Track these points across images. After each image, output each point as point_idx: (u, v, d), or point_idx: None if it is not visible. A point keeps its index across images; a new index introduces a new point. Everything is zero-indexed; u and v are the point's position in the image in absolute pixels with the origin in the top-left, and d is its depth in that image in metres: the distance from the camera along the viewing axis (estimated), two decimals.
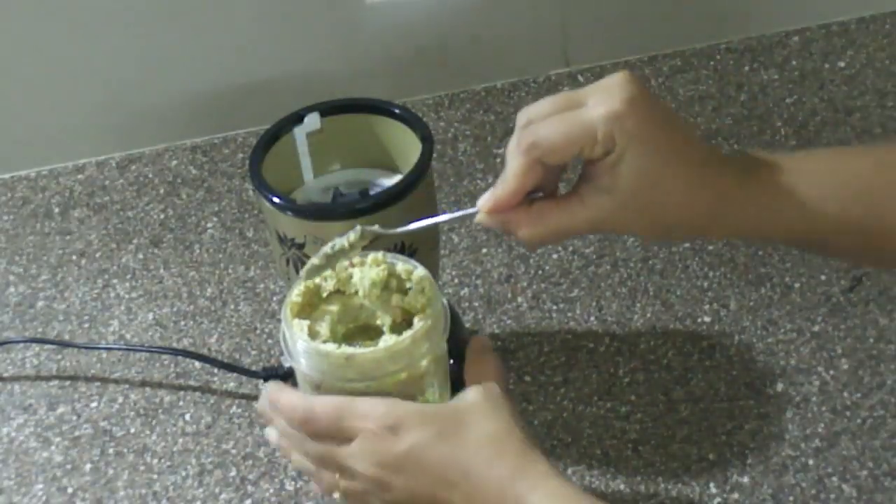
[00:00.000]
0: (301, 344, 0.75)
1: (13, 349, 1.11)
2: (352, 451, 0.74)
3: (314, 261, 0.78)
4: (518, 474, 0.71)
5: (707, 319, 1.07)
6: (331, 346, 0.75)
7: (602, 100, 0.72)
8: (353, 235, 0.78)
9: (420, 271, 0.78)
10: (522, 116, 0.74)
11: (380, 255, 0.79)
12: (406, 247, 0.89)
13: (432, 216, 0.81)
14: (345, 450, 0.74)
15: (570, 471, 0.96)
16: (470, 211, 0.76)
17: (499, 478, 0.71)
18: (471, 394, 0.75)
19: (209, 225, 1.21)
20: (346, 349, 0.75)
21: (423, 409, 0.74)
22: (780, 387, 1.01)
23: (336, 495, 0.77)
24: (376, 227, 0.78)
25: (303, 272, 0.78)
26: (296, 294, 0.78)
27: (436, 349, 0.76)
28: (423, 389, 0.76)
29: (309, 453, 0.77)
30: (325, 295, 0.79)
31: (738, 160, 0.76)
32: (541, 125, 0.73)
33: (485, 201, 0.75)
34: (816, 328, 1.05)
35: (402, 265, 0.79)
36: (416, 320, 0.76)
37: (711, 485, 0.95)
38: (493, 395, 0.75)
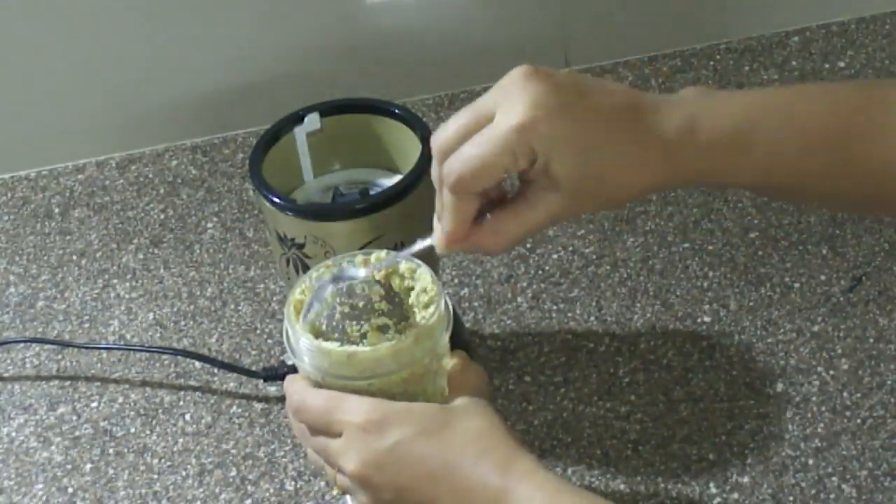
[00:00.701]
0: (303, 342, 0.75)
1: (13, 349, 1.11)
2: (339, 446, 0.74)
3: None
4: (504, 469, 0.71)
5: (707, 319, 1.07)
6: (333, 345, 0.75)
7: (507, 108, 0.70)
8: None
9: (423, 270, 0.78)
10: (435, 146, 0.73)
11: (383, 253, 0.79)
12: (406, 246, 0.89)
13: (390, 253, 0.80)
14: (335, 445, 0.74)
15: (569, 471, 0.96)
16: (427, 244, 0.77)
17: (485, 473, 0.71)
18: (457, 399, 0.76)
19: (209, 225, 1.21)
20: (348, 347, 0.75)
21: (409, 406, 0.74)
22: (779, 387, 1.01)
23: (335, 491, 0.77)
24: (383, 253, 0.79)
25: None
26: (298, 292, 0.78)
27: (437, 348, 0.76)
28: (425, 388, 0.76)
29: (312, 446, 0.77)
30: None
31: (674, 104, 0.73)
32: (456, 158, 0.71)
33: (439, 242, 0.75)
34: (816, 328, 1.05)
35: (405, 263, 0.79)
36: (418, 319, 0.76)
37: (711, 485, 0.95)
38: (478, 397, 0.76)
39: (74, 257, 1.20)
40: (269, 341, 1.09)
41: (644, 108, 0.73)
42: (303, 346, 0.76)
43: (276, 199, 0.90)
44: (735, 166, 0.74)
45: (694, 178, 0.75)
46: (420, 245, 0.78)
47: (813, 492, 0.94)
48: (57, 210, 1.25)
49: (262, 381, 1.05)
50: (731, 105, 0.74)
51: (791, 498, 0.93)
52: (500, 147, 0.70)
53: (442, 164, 0.73)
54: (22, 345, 1.11)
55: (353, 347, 0.75)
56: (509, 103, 0.70)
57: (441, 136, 0.73)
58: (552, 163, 0.70)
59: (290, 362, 1.02)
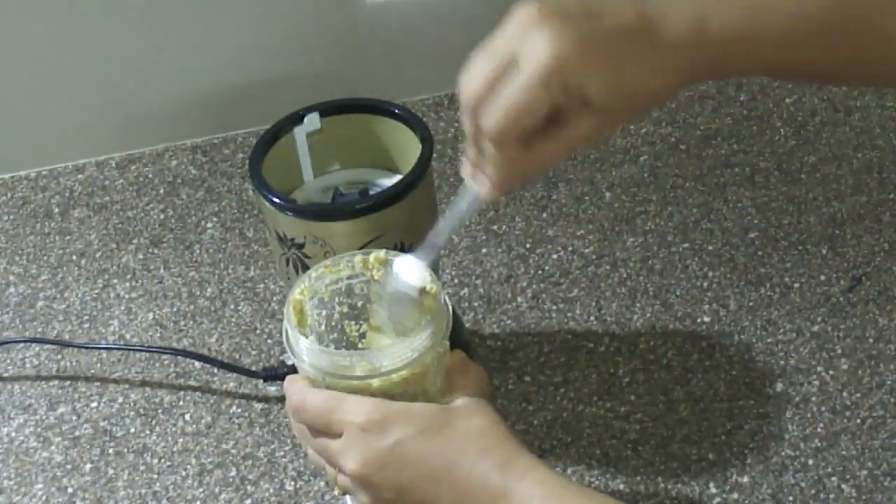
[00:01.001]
0: (303, 341, 0.75)
1: (13, 349, 1.11)
2: (339, 446, 0.74)
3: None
4: (504, 468, 0.71)
5: (707, 319, 1.07)
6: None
7: (532, 52, 0.69)
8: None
9: (423, 269, 0.78)
10: (464, 99, 0.72)
11: (382, 253, 0.79)
12: (407, 246, 0.90)
13: (445, 229, 0.80)
14: (335, 445, 0.74)
15: (569, 471, 0.96)
16: (471, 197, 0.76)
17: (485, 472, 0.71)
18: (457, 399, 0.76)
19: (209, 225, 1.21)
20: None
21: (409, 406, 0.74)
22: (779, 387, 1.01)
23: (336, 491, 0.78)
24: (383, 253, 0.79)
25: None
26: (298, 292, 0.78)
27: (438, 347, 0.76)
28: (425, 388, 0.77)
29: (312, 447, 0.77)
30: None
31: (671, 8, 0.73)
32: (494, 110, 0.71)
33: (488, 192, 0.75)
34: (816, 328, 1.05)
35: (407, 264, 0.79)
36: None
37: (711, 485, 0.95)
38: (478, 397, 0.76)
39: (74, 257, 1.20)
40: (269, 341, 1.09)
41: (653, 18, 0.73)
42: (303, 346, 0.76)
43: (276, 199, 0.90)
44: (746, 61, 0.74)
45: (707, 76, 0.76)
46: (464, 202, 0.77)
47: (813, 492, 0.94)
48: (57, 210, 1.25)
49: (261, 381, 1.05)
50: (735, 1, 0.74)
51: (791, 498, 0.93)
52: (537, 91, 0.70)
53: (473, 116, 0.72)
54: (22, 345, 1.11)
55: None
56: (531, 45, 0.70)
57: (470, 89, 0.72)
58: (587, 89, 0.70)
59: (289, 362, 1.02)
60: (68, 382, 1.08)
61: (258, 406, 1.04)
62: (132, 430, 1.04)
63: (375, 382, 0.75)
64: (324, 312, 0.80)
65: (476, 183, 0.75)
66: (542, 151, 0.74)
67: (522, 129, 0.72)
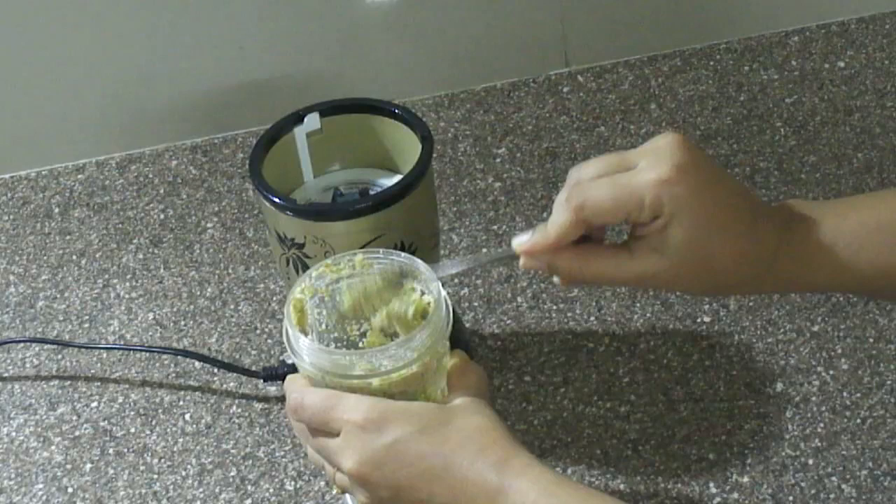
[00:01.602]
0: (303, 340, 0.75)
1: (13, 349, 1.11)
2: (337, 444, 0.74)
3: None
4: (502, 466, 0.71)
5: (707, 319, 1.07)
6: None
7: (652, 164, 0.73)
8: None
9: (423, 269, 0.78)
10: (574, 174, 0.76)
11: (381, 251, 0.79)
12: (407, 246, 0.90)
13: (468, 261, 0.82)
14: (333, 443, 0.74)
15: (569, 471, 0.96)
16: (509, 253, 0.77)
17: (482, 470, 0.71)
18: (456, 399, 0.76)
19: (209, 225, 1.21)
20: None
21: (408, 405, 0.74)
22: (779, 387, 1.01)
23: (335, 490, 0.78)
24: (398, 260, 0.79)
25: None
26: (298, 291, 0.78)
27: (438, 347, 0.76)
28: (425, 388, 0.77)
29: (311, 446, 0.77)
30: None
31: (779, 213, 0.77)
32: (591, 186, 0.74)
33: (520, 244, 0.77)
34: (816, 328, 1.05)
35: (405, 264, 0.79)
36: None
37: (711, 485, 0.95)
38: (478, 397, 0.76)
39: (74, 257, 1.20)
40: (269, 341, 1.09)
41: (763, 208, 0.77)
42: (303, 346, 0.76)
43: (276, 199, 0.90)
44: (831, 280, 0.78)
45: (786, 288, 0.82)
46: (500, 254, 0.79)
47: (813, 492, 0.94)
48: (57, 210, 1.25)
49: (261, 381, 1.05)
50: (837, 222, 0.77)
51: (791, 498, 0.93)
52: (634, 193, 0.73)
53: (571, 189, 0.75)
54: (22, 345, 1.11)
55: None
56: (655, 159, 0.73)
57: (580, 167, 0.76)
58: (672, 224, 0.73)
59: (290, 361, 1.02)
60: (68, 382, 1.08)
61: (258, 406, 1.04)
62: (132, 430, 1.04)
63: (375, 382, 0.75)
64: (324, 311, 0.80)
65: (519, 245, 0.77)
66: (594, 261, 0.76)
67: (599, 215, 0.74)
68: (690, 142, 0.74)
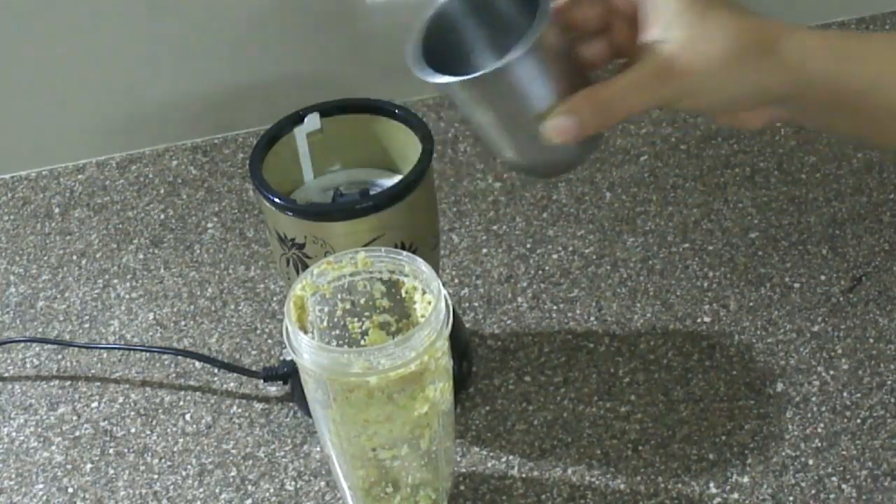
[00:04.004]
0: (303, 338, 0.76)
1: (13, 349, 1.11)
2: None
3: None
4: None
5: (707, 319, 1.07)
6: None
7: None
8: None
9: (423, 268, 0.78)
10: None
11: (382, 250, 0.79)
12: (407, 246, 0.90)
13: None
14: None
15: (569, 471, 0.96)
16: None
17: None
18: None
19: (209, 225, 1.21)
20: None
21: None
22: (779, 387, 1.01)
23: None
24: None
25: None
26: (300, 288, 0.78)
27: (437, 347, 0.76)
28: (425, 386, 0.77)
29: None
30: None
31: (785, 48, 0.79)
32: None
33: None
34: (816, 328, 1.05)
35: (409, 264, 0.79)
36: (418, 316, 0.76)
37: (711, 485, 0.95)
38: None
39: (74, 257, 1.20)
40: (269, 341, 1.09)
41: (771, 43, 0.78)
42: (303, 343, 0.76)
43: (276, 199, 0.90)
44: (841, 125, 0.79)
45: (794, 119, 0.81)
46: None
47: (813, 492, 0.94)
48: (57, 210, 1.25)
49: (262, 381, 1.05)
50: (854, 66, 0.77)
51: (791, 498, 0.93)
52: None
53: None
54: (22, 345, 1.11)
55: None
56: None
57: None
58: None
59: (289, 358, 1.02)
60: (69, 382, 1.08)
61: (258, 406, 1.04)
62: (132, 430, 1.04)
63: (373, 380, 0.75)
64: (325, 309, 0.80)
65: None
66: (617, 84, 0.77)
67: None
68: None
